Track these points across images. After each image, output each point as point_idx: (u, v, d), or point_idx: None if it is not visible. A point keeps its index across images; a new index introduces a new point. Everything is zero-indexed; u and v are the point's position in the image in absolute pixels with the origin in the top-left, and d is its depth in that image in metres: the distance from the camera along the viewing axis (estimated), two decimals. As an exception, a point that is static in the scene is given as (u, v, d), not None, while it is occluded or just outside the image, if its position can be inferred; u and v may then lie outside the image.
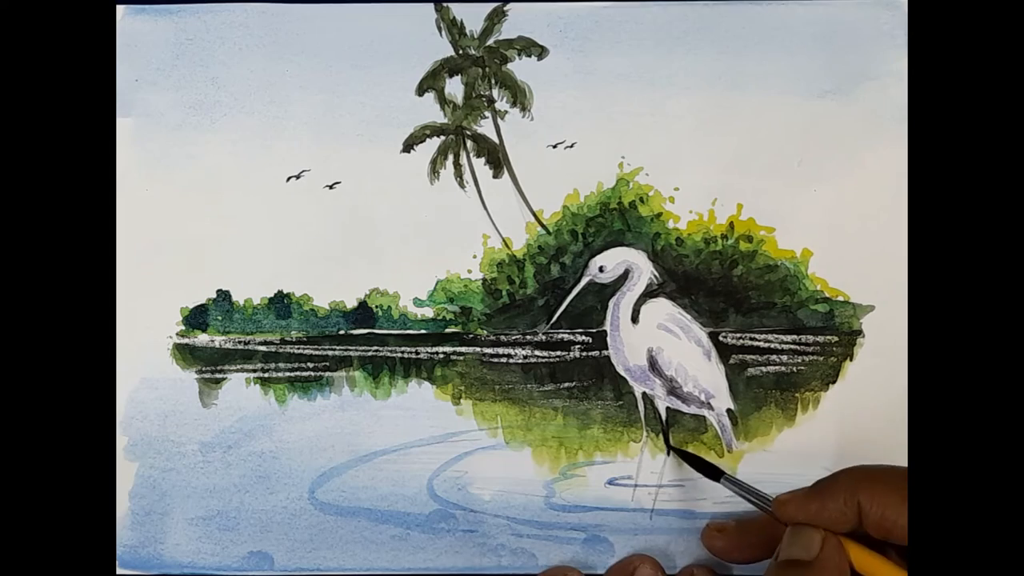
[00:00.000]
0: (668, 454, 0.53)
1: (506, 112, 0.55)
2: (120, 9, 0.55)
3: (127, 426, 0.54)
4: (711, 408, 0.54)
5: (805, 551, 0.44)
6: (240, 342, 0.55)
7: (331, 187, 0.55)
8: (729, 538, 0.50)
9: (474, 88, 0.55)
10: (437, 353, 0.55)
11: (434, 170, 0.55)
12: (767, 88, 0.55)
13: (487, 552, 0.53)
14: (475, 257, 0.55)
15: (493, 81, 0.55)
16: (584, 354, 0.54)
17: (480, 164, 0.55)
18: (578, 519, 0.54)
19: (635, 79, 0.55)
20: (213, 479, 0.54)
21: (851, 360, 0.54)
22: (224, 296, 0.55)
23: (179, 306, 0.55)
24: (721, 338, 0.54)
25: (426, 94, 0.55)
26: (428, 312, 0.55)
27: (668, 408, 0.54)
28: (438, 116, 0.55)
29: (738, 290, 0.55)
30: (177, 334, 0.55)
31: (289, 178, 0.55)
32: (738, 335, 0.54)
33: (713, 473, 0.50)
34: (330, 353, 0.55)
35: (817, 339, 0.54)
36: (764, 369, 0.54)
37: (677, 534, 0.53)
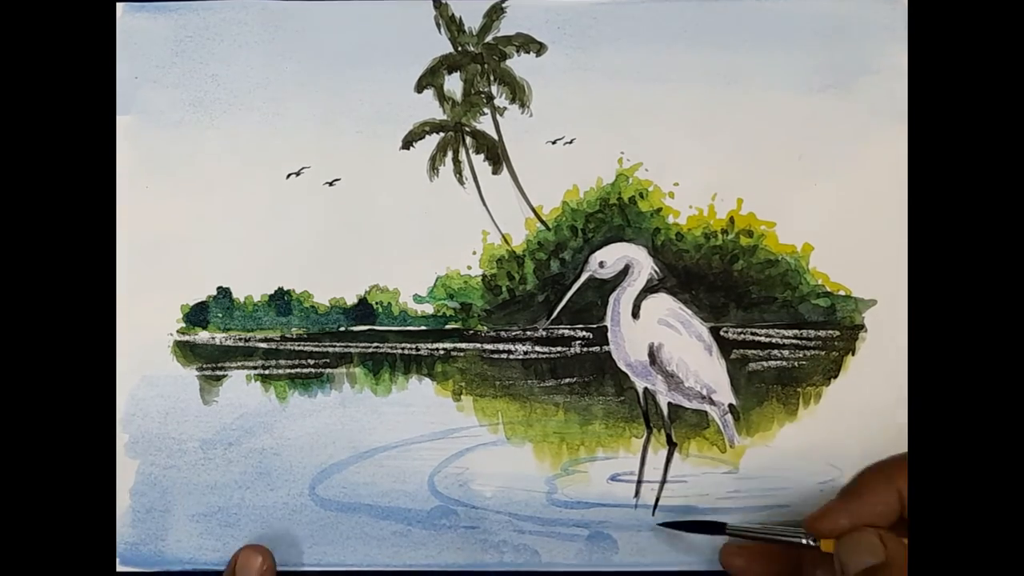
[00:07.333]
0: (654, 520, 0.52)
1: (505, 108, 0.55)
2: (120, 6, 0.55)
3: (128, 423, 0.54)
4: (713, 403, 0.54)
5: (873, 554, 0.41)
6: (240, 339, 0.55)
7: (331, 184, 0.55)
8: (750, 556, 0.49)
9: (473, 85, 0.55)
10: (437, 349, 0.55)
11: (433, 167, 0.55)
12: (767, 83, 0.54)
13: (489, 548, 0.53)
14: (475, 253, 0.55)
15: (492, 78, 0.55)
16: (585, 350, 0.54)
17: (479, 160, 0.55)
18: (581, 515, 0.54)
19: (634, 75, 0.55)
20: (214, 476, 0.54)
21: (853, 354, 0.54)
22: (224, 293, 0.55)
23: (179, 303, 0.55)
24: (722, 333, 0.54)
25: (425, 91, 0.55)
26: (428, 308, 0.55)
27: (670, 404, 0.54)
28: (437, 113, 0.55)
29: (739, 285, 0.55)
30: (178, 331, 0.55)
31: (289, 175, 0.55)
32: (739, 330, 0.54)
33: (715, 529, 0.49)
34: (330, 350, 0.55)
35: (818, 334, 0.54)
36: (765, 364, 0.54)
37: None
